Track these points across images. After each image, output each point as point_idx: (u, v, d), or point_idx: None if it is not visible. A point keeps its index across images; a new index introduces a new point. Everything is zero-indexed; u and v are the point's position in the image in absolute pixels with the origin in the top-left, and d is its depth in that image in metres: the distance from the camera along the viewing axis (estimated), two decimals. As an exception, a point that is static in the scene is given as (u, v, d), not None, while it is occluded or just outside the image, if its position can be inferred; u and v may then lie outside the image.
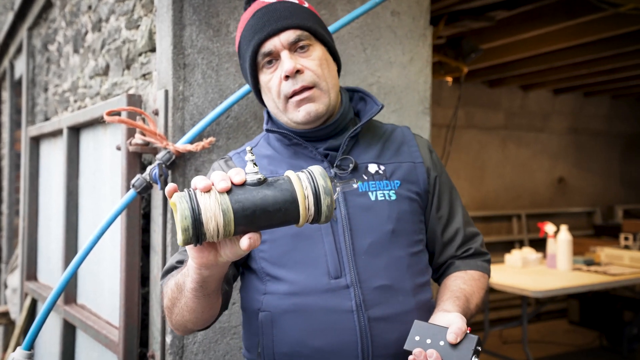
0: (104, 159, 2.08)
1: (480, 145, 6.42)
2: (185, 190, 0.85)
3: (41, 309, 1.61)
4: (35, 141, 2.89)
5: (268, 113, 1.33)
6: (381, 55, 2.02)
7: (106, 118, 1.59)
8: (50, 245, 2.66)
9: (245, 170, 0.88)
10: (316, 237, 1.19)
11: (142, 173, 1.73)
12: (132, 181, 1.64)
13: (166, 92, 1.70)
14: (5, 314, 4.45)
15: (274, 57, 1.21)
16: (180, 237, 0.82)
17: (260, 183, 0.87)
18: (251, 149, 0.90)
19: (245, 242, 0.85)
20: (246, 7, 1.29)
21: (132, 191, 1.63)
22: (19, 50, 4.51)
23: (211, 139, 1.64)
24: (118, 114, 1.71)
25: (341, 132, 1.27)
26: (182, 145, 1.62)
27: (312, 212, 0.87)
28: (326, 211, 0.87)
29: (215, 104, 1.74)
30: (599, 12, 3.49)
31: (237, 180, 0.86)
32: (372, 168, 1.25)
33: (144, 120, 1.72)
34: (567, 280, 3.75)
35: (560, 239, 4.09)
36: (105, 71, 2.48)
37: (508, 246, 6.31)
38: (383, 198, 1.23)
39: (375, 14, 2.00)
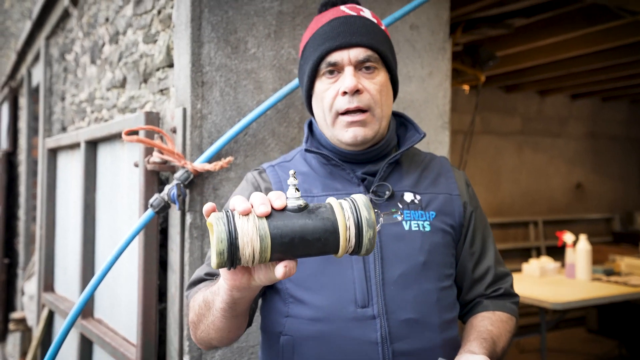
0: (122, 173, 2.08)
1: (497, 151, 6.36)
2: (223, 211, 0.82)
3: (60, 325, 1.61)
4: (53, 153, 2.91)
5: (309, 127, 1.31)
6: (400, 69, 2.00)
7: (125, 138, 1.59)
8: (67, 257, 2.67)
9: (287, 195, 0.85)
10: (345, 262, 1.16)
11: (160, 190, 1.73)
12: (150, 201, 1.63)
13: (184, 110, 1.69)
14: (22, 320, 4.49)
15: (337, 69, 1.18)
16: (214, 260, 0.80)
17: (301, 210, 0.84)
18: (294, 173, 0.87)
19: (280, 270, 0.82)
20: (322, 10, 1.26)
21: (150, 211, 1.63)
22: (36, 59, 4.55)
23: (230, 158, 1.63)
24: (136, 132, 1.71)
25: (381, 158, 1.25)
26: (200, 164, 1.61)
27: (352, 244, 0.84)
28: (367, 244, 0.84)
29: (233, 121, 1.73)
30: (618, 19, 3.44)
31: (278, 205, 0.83)
32: (408, 197, 1.23)
33: (162, 138, 1.71)
34: (586, 291, 3.69)
35: (580, 249, 4.02)
36: (123, 84, 2.48)
37: (524, 253, 6.24)
38: (417, 228, 1.20)
39: (394, 27, 1.98)
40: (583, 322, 5.79)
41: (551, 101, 6.66)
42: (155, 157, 1.69)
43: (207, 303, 1.04)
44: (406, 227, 1.19)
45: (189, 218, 1.68)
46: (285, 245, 0.81)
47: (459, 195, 1.28)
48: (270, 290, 1.24)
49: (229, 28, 1.73)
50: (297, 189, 0.85)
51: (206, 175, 1.69)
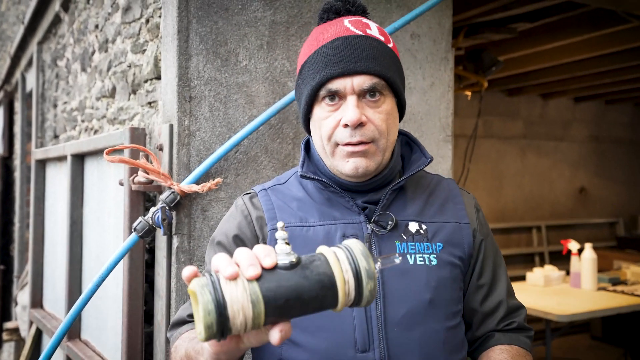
0: (108, 190, 1.99)
1: (499, 155, 6.25)
2: (207, 274, 0.73)
3: (47, 343, 1.53)
4: (42, 164, 2.82)
5: (306, 148, 1.20)
6: (400, 81, 1.90)
7: (107, 158, 1.49)
8: (55, 272, 2.58)
9: (276, 249, 0.76)
10: None
11: (147, 210, 1.64)
12: (134, 225, 1.54)
13: (171, 126, 1.60)
14: (16, 330, 4.40)
15: (338, 96, 1.07)
16: (202, 334, 0.70)
17: (294, 266, 0.75)
18: (283, 225, 0.79)
19: (275, 336, 0.73)
20: (323, 18, 1.14)
21: (133, 235, 1.53)
22: (29, 64, 4.46)
23: (218, 179, 1.53)
24: (121, 150, 1.61)
25: (385, 184, 1.15)
26: (187, 185, 1.52)
27: (352, 297, 0.76)
28: (368, 296, 0.76)
29: (223, 138, 1.63)
30: (625, 24, 3.34)
31: (268, 263, 0.74)
32: (413, 227, 1.12)
33: (147, 157, 1.62)
34: (592, 302, 3.59)
35: (585, 257, 3.92)
36: (112, 94, 2.39)
37: (527, 259, 6.14)
38: (422, 262, 1.10)
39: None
40: (587, 329, 5.70)
41: (554, 104, 6.56)
42: (141, 176, 1.60)
43: (189, 359, 0.95)
44: (410, 261, 1.09)
45: (175, 242, 1.58)
46: (280, 309, 0.73)
47: (469, 223, 1.18)
48: None
49: (218, 39, 1.64)
50: (287, 243, 0.77)
51: (194, 196, 1.59)
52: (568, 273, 4.18)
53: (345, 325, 1.05)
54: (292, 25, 1.74)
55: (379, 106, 1.08)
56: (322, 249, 0.79)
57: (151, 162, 1.59)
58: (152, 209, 1.53)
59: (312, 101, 1.10)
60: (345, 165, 1.08)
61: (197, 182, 1.55)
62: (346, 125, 1.05)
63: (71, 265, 2.19)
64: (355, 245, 0.78)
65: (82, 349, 2.07)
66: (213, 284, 0.71)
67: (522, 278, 4.37)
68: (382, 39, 1.11)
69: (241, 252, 0.75)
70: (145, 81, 1.97)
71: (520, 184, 6.40)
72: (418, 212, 1.15)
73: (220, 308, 0.69)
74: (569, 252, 4.04)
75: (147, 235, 1.53)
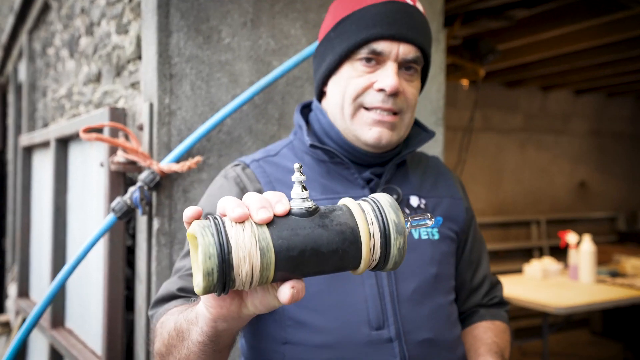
0: (92, 174, 1.94)
1: (498, 149, 6.19)
2: (210, 217, 0.63)
3: (34, 334, 1.49)
4: (28, 151, 2.76)
5: (306, 118, 1.14)
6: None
7: (82, 136, 1.44)
8: (41, 262, 2.53)
9: (291, 195, 0.66)
10: (355, 277, 1.00)
11: (124, 195, 1.58)
12: (112, 205, 1.48)
13: (151, 105, 1.54)
14: (7, 324, 4.35)
15: (377, 60, 1.02)
16: (200, 284, 0.60)
17: (311, 213, 0.64)
18: (300, 166, 0.67)
19: (286, 293, 0.62)
20: None
21: (111, 216, 1.48)
22: (21, 54, 4.41)
23: (198, 158, 1.48)
24: (100, 130, 1.56)
25: (388, 160, 1.11)
26: (166, 164, 1.46)
27: (377, 256, 0.65)
28: (396, 256, 0.65)
29: (205, 117, 1.58)
30: (625, 10, 3.28)
31: (280, 210, 0.63)
32: (414, 201, 1.10)
33: (126, 136, 1.56)
34: (590, 294, 3.53)
35: (583, 250, 3.87)
36: (98, 78, 2.33)
37: (526, 253, 6.09)
38: (427, 237, 1.07)
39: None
40: (587, 324, 5.64)
41: (554, 97, 6.49)
42: (120, 156, 1.54)
43: (180, 333, 0.81)
44: (415, 236, 1.06)
45: (156, 224, 1.53)
46: (293, 260, 0.62)
47: (462, 199, 1.18)
48: None
49: (200, 16, 1.58)
50: (305, 188, 0.66)
51: (175, 177, 1.54)
52: (567, 266, 4.12)
53: (358, 302, 0.99)
54: (278, 3, 1.68)
55: (413, 81, 1.05)
56: (344, 200, 0.69)
57: (130, 142, 1.53)
58: (131, 189, 1.48)
59: (345, 57, 1.04)
60: (367, 132, 1.04)
61: (178, 161, 1.49)
62: (380, 90, 1.01)
63: (55, 252, 2.14)
64: (383, 197, 0.68)
65: (65, 337, 2.02)
66: (217, 226, 0.61)
67: (520, 272, 4.32)
68: (427, 18, 1.08)
69: (251, 195, 0.65)
70: (128, 62, 1.91)
71: (520, 178, 6.34)
72: (417, 187, 1.13)
73: (224, 253, 0.59)
74: (568, 246, 3.99)
75: (126, 217, 1.48)
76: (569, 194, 6.67)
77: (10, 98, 5.40)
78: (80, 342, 1.97)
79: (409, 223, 0.71)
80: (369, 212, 0.66)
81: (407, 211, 1.08)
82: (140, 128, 1.58)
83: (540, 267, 4.06)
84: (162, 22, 1.54)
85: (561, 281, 3.94)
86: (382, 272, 0.70)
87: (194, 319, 0.76)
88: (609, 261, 4.80)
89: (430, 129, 1.90)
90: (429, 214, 0.74)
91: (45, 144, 2.45)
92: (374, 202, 0.67)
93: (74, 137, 2.09)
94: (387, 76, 1.00)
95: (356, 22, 1.02)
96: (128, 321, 1.75)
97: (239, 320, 0.71)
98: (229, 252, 0.60)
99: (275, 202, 0.64)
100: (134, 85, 1.87)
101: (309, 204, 0.65)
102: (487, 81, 5.62)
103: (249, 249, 0.60)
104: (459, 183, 1.23)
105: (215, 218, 0.63)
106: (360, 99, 1.03)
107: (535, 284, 3.85)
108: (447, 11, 3.16)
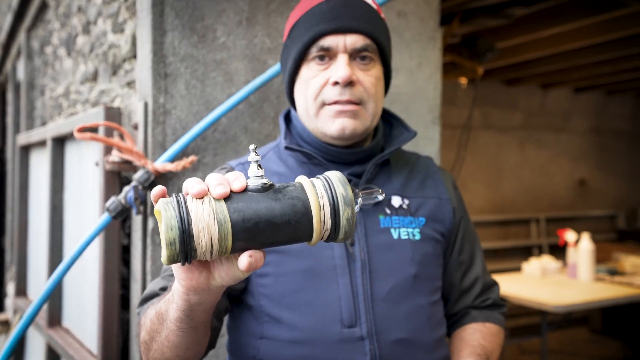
0: (88, 173, 1.93)
1: (498, 147, 6.19)
2: (174, 195, 0.70)
3: (31, 332, 1.49)
4: (25, 150, 2.76)
5: (286, 120, 1.17)
6: (386, 60, 1.84)
7: (77, 135, 1.44)
8: (38, 261, 2.52)
9: (248, 174, 0.72)
10: (330, 276, 1.03)
11: (119, 194, 1.58)
12: (107, 204, 1.48)
13: (145, 104, 1.54)
14: (6, 322, 4.35)
15: (329, 55, 1.05)
16: (164, 253, 0.67)
17: (266, 189, 0.71)
18: (255, 148, 0.74)
19: (244, 261, 0.68)
20: None
21: (106, 215, 1.48)
22: (19, 52, 4.40)
23: (192, 157, 1.48)
24: (95, 129, 1.56)
25: (369, 159, 1.12)
26: (161, 164, 1.46)
27: (328, 226, 0.71)
28: (346, 226, 0.71)
29: (200, 117, 1.58)
30: (624, 8, 3.27)
31: (237, 186, 0.70)
32: (396, 201, 1.10)
33: (121, 136, 1.56)
34: (589, 292, 3.53)
35: (582, 248, 3.87)
36: (94, 77, 2.33)
37: (526, 252, 6.08)
38: (407, 237, 1.08)
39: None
40: (586, 322, 5.64)
41: (554, 95, 6.48)
42: (115, 155, 1.54)
43: (159, 316, 0.89)
44: (395, 236, 1.07)
45: (151, 223, 1.53)
46: (248, 231, 0.68)
47: (449, 199, 1.17)
48: (240, 307, 1.10)
49: (195, 15, 1.58)
50: (260, 166, 0.72)
51: (170, 176, 1.54)
52: (566, 265, 4.12)
53: (331, 300, 1.02)
54: (273, 1, 1.68)
55: (369, 70, 1.06)
56: (299, 178, 0.75)
57: (125, 141, 1.53)
58: (125, 188, 1.48)
59: (300, 60, 1.07)
60: (331, 125, 1.05)
61: (172, 161, 1.49)
62: (335, 83, 1.03)
63: (52, 252, 2.14)
64: (333, 174, 0.74)
65: (62, 336, 2.02)
66: (178, 202, 0.67)
67: (519, 270, 4.32)
68: (375, 7, 1.10)
69: (211, 175, 0.72)
70: (124, 61, 1.91)
71: (520, 177, 6.33)
72: (401, 187, 1.13)
73: (184, 224, 0.66)
74: (567, 245, 3.98)
75: (121, 216, 1.48)
76: (569, 192, 6.67)
77: (9, 96, 5.40)
78: (76, 341, 1.97)
79: (359, 198, 0.78)
80: (319, 187, 0.72)
81: (388, 211, 1.09)
82: (135, 127, 1.58)
83: (539, 265, 4.06)
84: (157, 21, 1.53)
85: (560, 279, 3.94)
86: (336, 242, 0.76)
87: (170, 297, 0.84)
88: (608, 259, 4.79)
89: (429, 127, 1.91)
90: (379, 190, 0.80)
91: (42, 143, 2.44)
92: (325, 178, 0.74)
93: (70, 136, 2.09)
94: (338, 68, 1.02)
95: (304, 25, 1.06)
96: (124, 320, 1.75)
97: (209, 293, 0.77)
98: (189, 224, 0.66)
99: (233, 180, 0.70)
100: (130, 84, 1.87)
101: (265, 180, 0.72)
102: (487, 79, 5.62)
103: (207, 221, 0.67)
104: (450, 183, 1.22)
105: (178, 195, 0.70)
106: (321, 97, 1.05)
107: (534, 282, 3.84)
108: (446, 9, 3.16)
